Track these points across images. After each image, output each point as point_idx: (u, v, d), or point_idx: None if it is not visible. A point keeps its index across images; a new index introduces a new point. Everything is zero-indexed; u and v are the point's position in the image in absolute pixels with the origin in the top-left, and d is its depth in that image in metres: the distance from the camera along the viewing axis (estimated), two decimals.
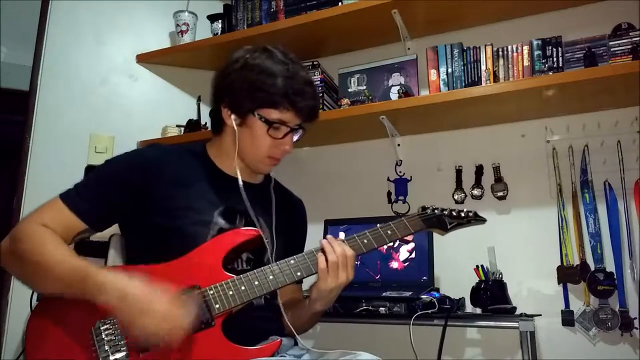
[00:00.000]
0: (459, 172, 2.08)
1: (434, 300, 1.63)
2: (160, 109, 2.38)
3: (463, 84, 1.95)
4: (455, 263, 1.91)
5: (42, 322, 1.10)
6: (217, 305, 1.12)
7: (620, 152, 1.84)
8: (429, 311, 1.62)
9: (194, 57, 2.34)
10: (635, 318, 1.73)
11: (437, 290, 1.79)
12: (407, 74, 2.08)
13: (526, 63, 1.88)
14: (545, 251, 1.89)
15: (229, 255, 1.21)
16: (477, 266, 1.78)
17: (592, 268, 1.80)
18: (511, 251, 1.89)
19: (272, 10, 2.27)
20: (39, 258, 1.11)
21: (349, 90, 2.15)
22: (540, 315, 1.71)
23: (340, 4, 2.09)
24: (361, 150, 2.28)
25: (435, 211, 1.38)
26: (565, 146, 1.93)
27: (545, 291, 1.88)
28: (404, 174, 2.18)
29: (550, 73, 1.82)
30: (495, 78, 1.92)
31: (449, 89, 1.96)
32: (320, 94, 2.09)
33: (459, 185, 2.06)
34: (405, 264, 1.91)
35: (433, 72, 2.01)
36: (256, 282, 1.16)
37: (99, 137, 2.21)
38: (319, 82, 2.10)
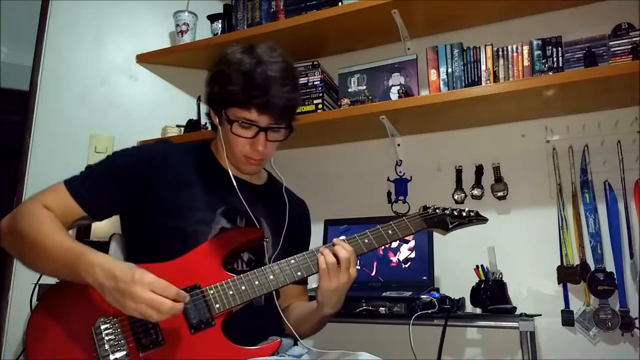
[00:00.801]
0: (459, 172, 2.08)
1: (434, 300, 1.63)
2: (160, 109, 2.39)
3: (463, 84, 1.95)
4: (455, 263, 1.91)
5: (42, 322, 1.10)
6: (217, 305, 1.12)
7: (620, 152, 1.84)
8: (429, 311, 1.62)
9: (194, 57, 2.34)
10: (636, 318, 1.72)
11: (437, 290, 1.78)
12: (407, 74, 2.08)
13: (526, 63, 1.88)
14: (545, 251, 1.89)
15: (229, 255, 1.21)
16: (477, 266, 1.78)
17: (592, 268, 1.80)
18: (511, 251, 1.89)
19: (272, 10, 2.27)
20: (35, 237, 1.12)
21: (349, 90, 2.15)
22: (540, 315, 1.71)
23: (340, 4, 2.09)
24: (361, 150, 2.28)
25: (437, 211, 1.37)
26: (565, 146, 1.93)
27: (545, 291, 1.88)
28: (404, 174, 2.18)
29: (550, 73, 1.82)
30: (495, 78, 1.92)
31: (449, 89, 1.96)
32: (320, 94, 2.09)
33: (459, 185, 2.06)
34: (405, 264, 1.91)
35: (433, 72, 2.01)
36: (256, 282, 1.16)
37: (99, 137, 2.21)
38: (318, 82, 2.10)
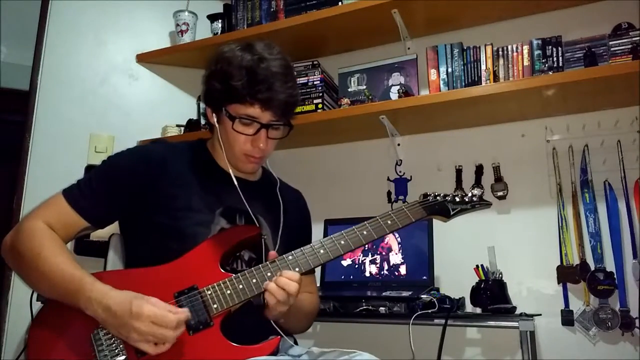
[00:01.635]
0: (459, 171, 2.08)
1: (434, 300, 1.63)
2: (160, 108, 2.38)
3: (463, 84, 1.95)
4: (455, 263, 1.91)
5: (43, 330, 1.11)
6: (215, 305, 1.12)
7: (620, 151, 1.84)
8: (429, 311, 1.62)
9: (194, 57, 2.34)
10: (636, 318, 1.72)
11: (437, 290, 1.78)
12: (407, 73, 2.08)
13: (526, 63, 1.88)
14: (545, 251, 1.89)
15: (227, 255, 1.20)
16: (477, 266, 1.78)
17: (592, 268, 1.80)
18: (511, 251, 1.89)
19: (272, 10, 2.27)
20: (36, 263, 1.11)
21: (349, 90, 2.15)
22: (540, 315, 1.71)
23: (340, 3, 2.08)
24: (361, 150, 2.28)
25: (437, 198, 1.33)
26: (565, 146, 1.93)
27: (545, 291, 1.88)
28: (404, 173, 2.18)
29: (550, 73, 1.81)
30: (495, 78, 1.92)
31: (449, 89, 1.96)
32: (320, 94, 2.09)
33: (459, 185, 2.06)
34: (405, 264, 1.91)
35: (433, 71, 2.01)
36: (254, 280, 1.15)
37: (99, 137, 2.21)
38: (318, 82, 2.10)
